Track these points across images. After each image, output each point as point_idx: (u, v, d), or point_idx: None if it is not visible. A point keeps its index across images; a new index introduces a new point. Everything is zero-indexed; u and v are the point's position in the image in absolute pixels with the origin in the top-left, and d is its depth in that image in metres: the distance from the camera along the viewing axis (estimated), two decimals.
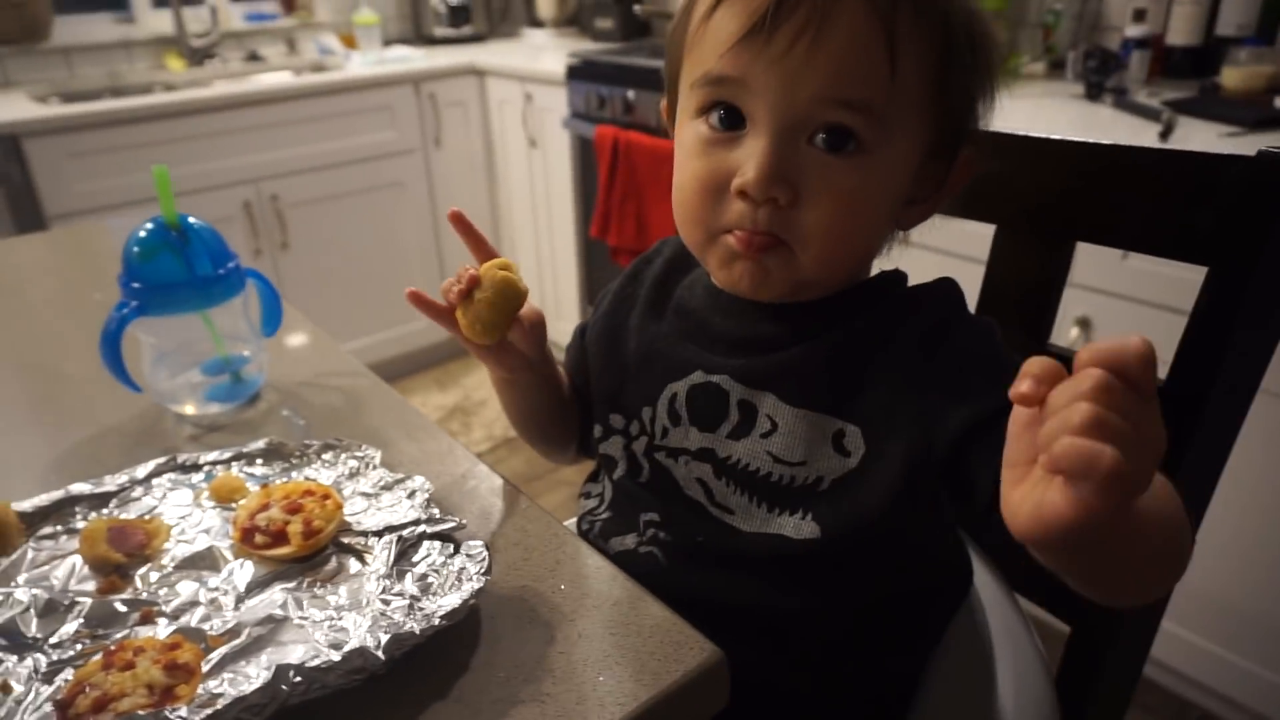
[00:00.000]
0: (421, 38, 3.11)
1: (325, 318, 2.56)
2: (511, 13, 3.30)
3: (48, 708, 0.42)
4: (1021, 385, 0.34)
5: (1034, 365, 0.34)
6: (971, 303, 0.66)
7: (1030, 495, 0.34)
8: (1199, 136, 1.35)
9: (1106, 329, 1.40)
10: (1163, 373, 0.60)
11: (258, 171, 2.37)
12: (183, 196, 2.21)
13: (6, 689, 0.43)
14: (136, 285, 0.65)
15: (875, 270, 0.61)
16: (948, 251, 1.18)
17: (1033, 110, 1.66)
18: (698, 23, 0.53)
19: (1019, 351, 0.54)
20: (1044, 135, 0.66)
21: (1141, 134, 1.39)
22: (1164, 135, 1.37)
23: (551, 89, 2.41)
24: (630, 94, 2.13)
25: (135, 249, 0.66)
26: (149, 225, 0.66)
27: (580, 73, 2.28)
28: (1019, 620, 0.67)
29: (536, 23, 3.12)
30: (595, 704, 0.42)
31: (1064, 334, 1.44)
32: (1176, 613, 1.44)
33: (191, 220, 0.68)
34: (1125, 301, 1.35)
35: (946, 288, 0.58)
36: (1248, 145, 1.27)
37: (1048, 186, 0.66)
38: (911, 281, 0.60)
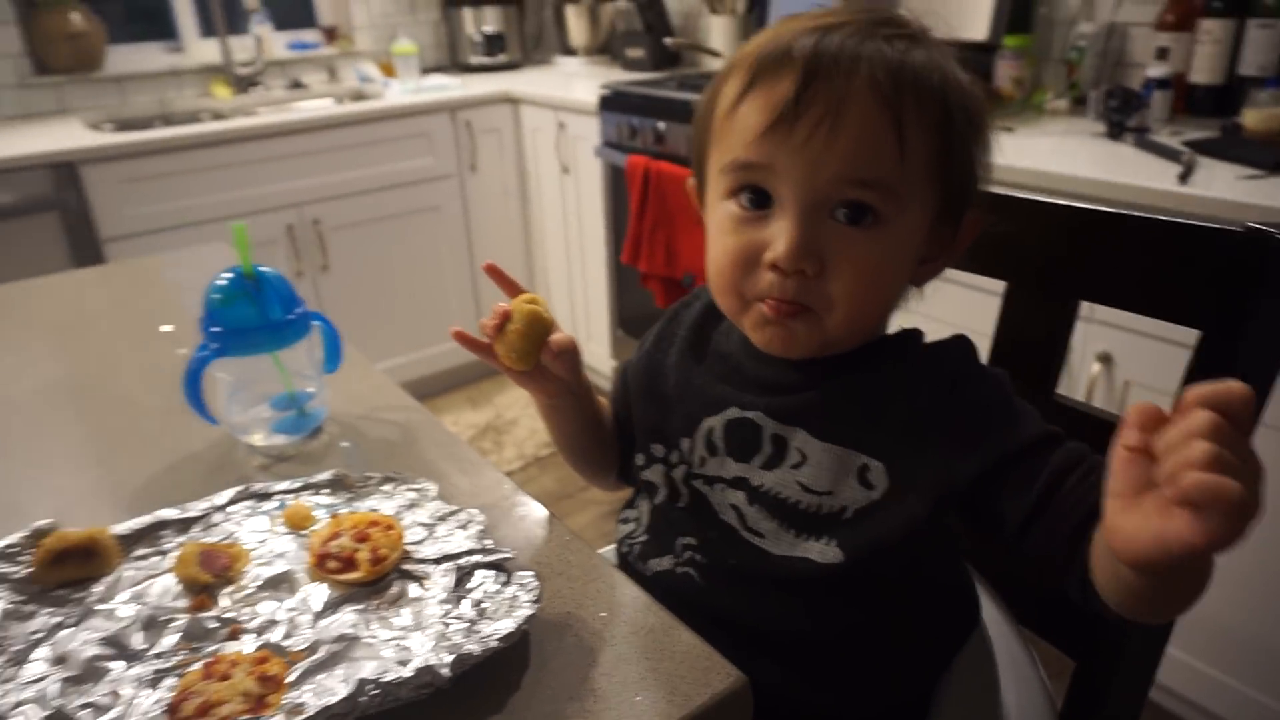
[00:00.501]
0: (457, 65, 3.20)
1: (363, 337, 2.64)
2: (545, 41, 3.39)
3: (156, 711, 0.48)
4: (1130, 438, 0.39)
5: (1135, 414, 0.39)
6: (984, 354, 0.71)
7: (1148, 524, 0.37)
8: (1219, 179, 1.39)
9: (1127, 364, 1.43)
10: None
11: (300, 196, 2.46)
12: (228, 221, 2.31)
13: (117, 695, 0.50)
14: (216, 329, 0.72)
15: (894, 326, 0.67)
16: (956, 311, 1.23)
17: (1054, 147, 1.70)
18: (723, 114, 0.59)
19: (1028, 399, 0.60)
20: (1049, 200, 0.71)
21: (1162, 175, 1.42)
22: (1183, 177, 1.40)
23: (584, 118, 2.49)
24: (661, 125, 2.19)
25: (215, 296, 0.73)
26: (228, 275, 0.73)
27: (612, 103, 2.35)
28: (1024, 652, 0.71)
29: (569, 51, 3.20)
30: (636, 716, 0.47)
31: (1086, 369, 1.48)
32: (1179, 638, 1.46)
33: (264, 270, 0.74)
34: (1146, 338, 1.39)
35: (962, 344, 0.63)
36: (1267, 188, 1.32)
37: (1053, 247, 0.71)
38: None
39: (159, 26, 2.85)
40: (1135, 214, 0.66)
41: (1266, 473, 0.38)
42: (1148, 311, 0.66)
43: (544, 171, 2.77)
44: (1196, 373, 0.62)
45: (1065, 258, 0.71)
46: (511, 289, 0.69)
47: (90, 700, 0.49)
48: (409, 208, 2.68)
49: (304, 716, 0.44)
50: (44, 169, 2.10)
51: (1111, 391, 1.48)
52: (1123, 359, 1.45)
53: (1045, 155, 1.62)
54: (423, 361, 2.81)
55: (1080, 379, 1.49)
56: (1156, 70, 1.81)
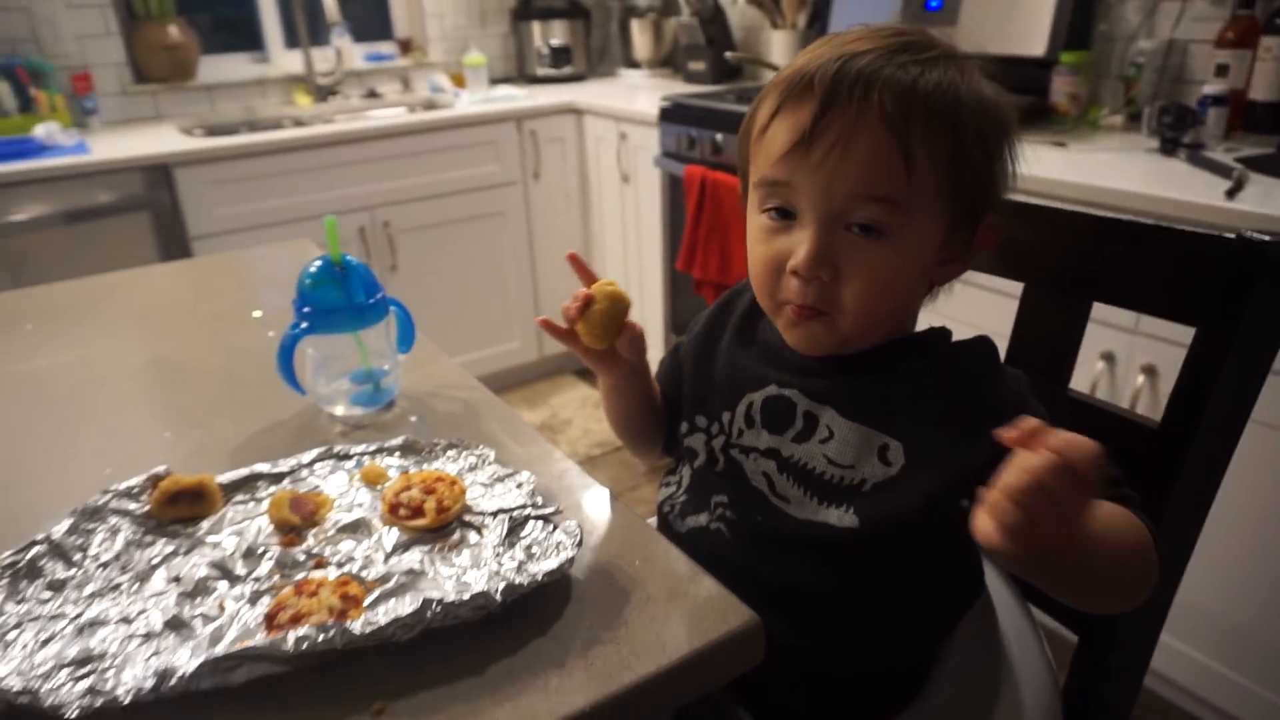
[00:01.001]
0: (525, 77, 3.32)
1: (427, 335, 2.76)
2: (610, 54, 3.50)
3: (254, 621, 0.57)
4: (1010, 432, 0.48)
5: (1026, 425, 0.48)
6: (1002, 351, 0.77)
7: (979, 515, 0.48)
8: (1270, 195, 1.40)
9: (1129, 363, 1.50)
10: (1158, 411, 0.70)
11: (373, 200, 2.59)
12: (306, 222, 2.46)
13: (222, 608, 0.59)
14: (307, 309, 0.81)
15: (923, 324, 0.73)
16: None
17: (1105, 162, 1.72)
18: (757, 134, 0.67)
19: (1042, 393, 0.66)
20: (1066, 208, 0.76)
21: (1209, 190, 1.44)
22: (1231, 193, 1.42)
23: (644, 129, 2.57)
24: (718, 136, 2.27)
25: (307, 280, 0.82)
26: (318, 262, 0.83)
27: (672, 115, 2.43)
28: (1029, 627, 0.76)
29: (633, 64, 3.30)
30: (658, 646, 0.55)
31: (1090, 367, 1.54)
32: (1185, 634, 1.53)
33: (350, 259, 0.83)
34: (1145, 338, 1.45)
35: (984, 344, 0.70)
36: None
37: (1069, 252, 0.77)
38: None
39: (248, 39, 3.03)
40: (1145, 222, 0.71)
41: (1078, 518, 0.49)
42: (1152, 311, 0.71)
43: (605, 180, 2.86)
44: (1191, 367, 0.67)
45: (1079, 262, 0.76)
46: (589, 278, 0.77)
47: (201, 611, 0.59)
48: (474, 213, 2.80)
49: (378, 625, 0.53)
50: (141, 170, 2.26)
51: (1114, 388, 1.54)
52: (1124, 358, 1.51)
53: (1094, 169, 1.64)
54: (483, 360, 2.92)
55: (1082, 380, 1.54)
56: (1214, 87, 1.83)
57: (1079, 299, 0.77)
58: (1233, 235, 0.64)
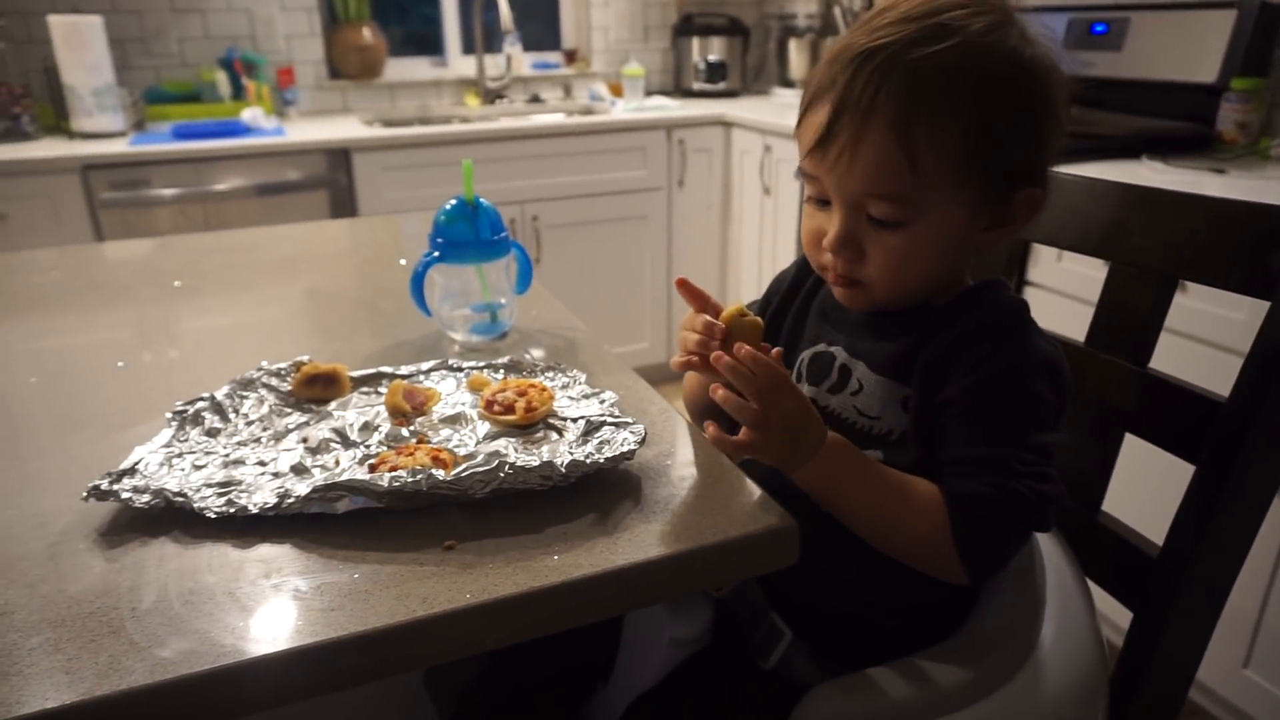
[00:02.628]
0: (680, 90, 3.45)
1: None
2: (766, 72, 3.57)
3: (361, 469, 0.67)
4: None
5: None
6: (1066, 329, 0.79)
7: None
8: None
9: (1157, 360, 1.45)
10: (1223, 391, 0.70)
11: (525, 194, 2.76)
12: None
13: (338, 462, 0.69)
14: (440, 240, 0.93)
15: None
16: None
17: (1259, 189, 1.66)
18: (798, 127, 0.73)
19: (1120, 375, 0.67)
20: (1154, 186, 0.78)
21: None
22: None
23: (788, 142, 2.63)
24: None
25: (442, 216, 0.93)
26: (454, 201, 0.94)
27: None
28: (1080, 592, 0.77)
29: (787, 83, 3.36)
30: (695, 530, 0.61)
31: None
32: (1264, 663, 1.49)
33: (482, 200, 0.94)
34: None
35: (1014, 308, 0.72)
36: None
37: (1157, 231, 0.78)
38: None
39: (431, 45, 3.30)
40: (1228, 199, 0.72)
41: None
42: (1231, 287, 0.72)
43: (747, 191, 2.93)
44: (1265, 341, 0.67)
45: (1164, 241, 0.77)
46: (706, 304, 0.76)
47: (320, 463, 0.69)
48: (619, 215, 2.92)
49: (454, 473, 0.62)
50: (325, 153, 2.52)
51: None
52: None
53: (1242, 195, 1.58)
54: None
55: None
56: None
57: (1163, 277, 0.77)
58: None
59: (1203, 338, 1.48)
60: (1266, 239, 0.68)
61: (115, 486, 0.63)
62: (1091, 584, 0.80)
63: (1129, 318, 0.80)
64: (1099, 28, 2.29)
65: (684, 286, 0.78)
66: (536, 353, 0.94)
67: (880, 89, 0.65)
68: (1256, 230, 0.69)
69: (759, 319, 0.72)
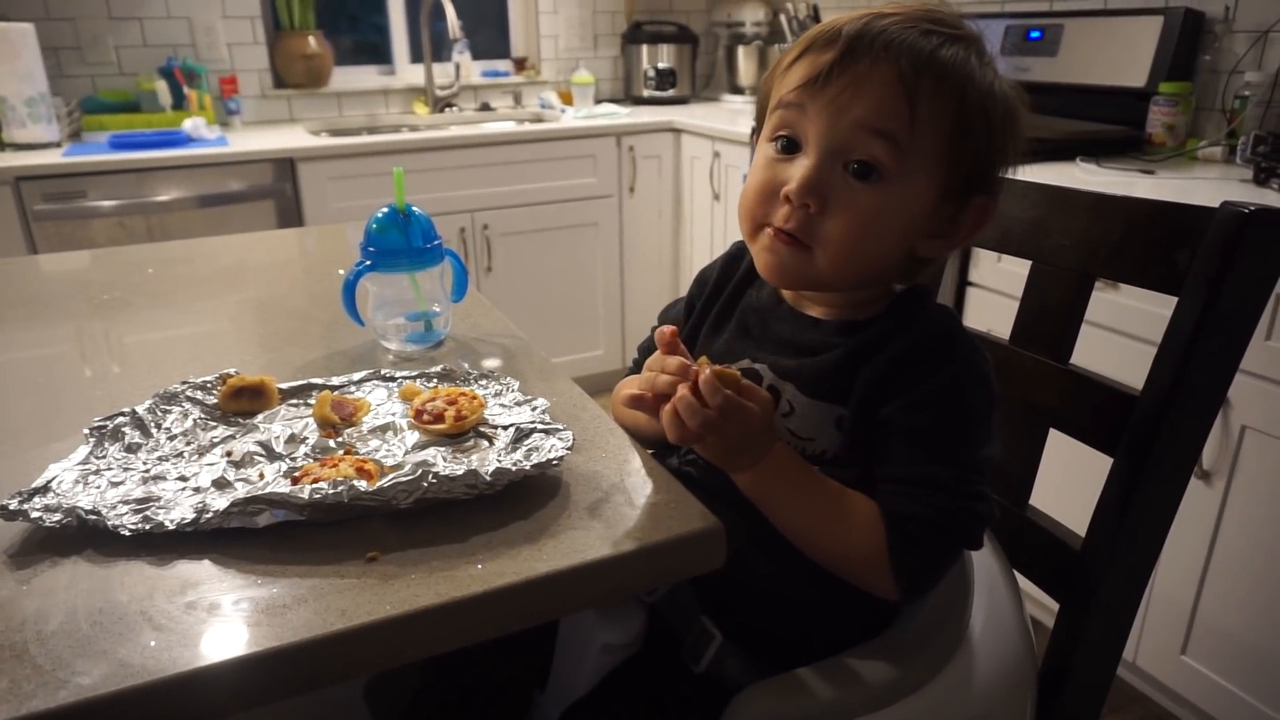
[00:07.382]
0: (630, 97, 3.46)
1: None
2: (715, 79, 3.60)
3: (284, 482, 0.66)
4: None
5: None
6: (1006, 329, 0.81)
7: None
8: None
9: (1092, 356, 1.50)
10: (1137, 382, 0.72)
11: (475, 203, 2.75)
12: None
13: (262, 476, 0.68)
14: (371, 249, 0.92)
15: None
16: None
17: (1185, 188, 1.71)
18: (780, 73, 0.72)
19: (1043, 372, 0.68)
20: (1069, 187, 0.79)
21: None
22: None
23: (736, 148, 2.65)
24: None
25: (374, 225, 0.92)
26: (385, 209, 0.93)
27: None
28: (1007, 586, 0.79)
29: (737, 90, 3.39)
30: (626, 535, 0.61)
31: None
32: (1200, 650, 1.54)
33: (414, 208, 0.94)
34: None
35: (944, 320, 0.73)
36: None
37: (1074, 231, 0.80)
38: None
39: (378, 54, 3.27)
40: (1142, 198, 0.74)
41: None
42: (1141, 283, 0.74)
43: (698, 197, 2.95)
44: (1172, 335, 0.69)
45: (1080, 240, 0.79)
46: (673, 350, 0.68)
47: (243, 476, 0.68)
48: (569, 222, 2.92)
49: (378, 483, 0.61)
50: (269, 163, 2.48)
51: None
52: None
53: (1168, 195, 1.63)
54: (569, 365, 3.02)
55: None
56: None
57: (1080, 275, 0.79)
58: (1216, 206, 0.66)
59: (1135, 334, 1.52)
60: (1175, 236, 0.70)
61: (25, 506, 0.61)
62: (1020, 577, 0.82)
63: (1050, 316, 0.82)
64: (1034, 34, 2.35)
65: (673, 340, 0.68)
66: (479, 361, 0.94)
67: (891, 44, 0.66)
68: (1166, 228, 0.71)
69: (736, 371, 0.66)
